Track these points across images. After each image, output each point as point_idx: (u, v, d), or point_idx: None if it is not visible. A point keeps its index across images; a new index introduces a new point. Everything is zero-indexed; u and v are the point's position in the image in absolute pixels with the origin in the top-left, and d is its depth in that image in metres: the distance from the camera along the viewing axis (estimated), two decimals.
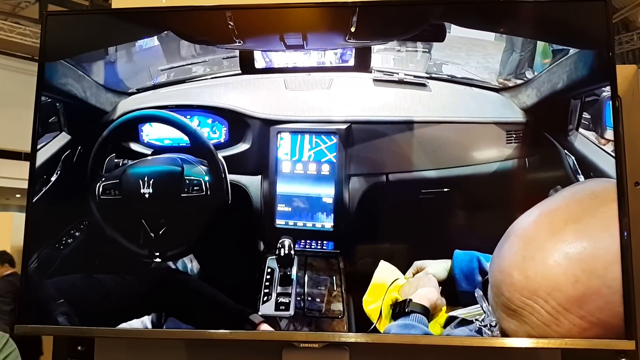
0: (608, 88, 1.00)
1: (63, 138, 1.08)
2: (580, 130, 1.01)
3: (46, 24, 1.10)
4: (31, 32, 6.18)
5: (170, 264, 1.02)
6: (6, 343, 1.64)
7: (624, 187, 0.97)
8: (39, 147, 1.07)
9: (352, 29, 1.05)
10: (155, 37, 1.09)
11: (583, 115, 1.01)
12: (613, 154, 0.98)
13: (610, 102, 1.00)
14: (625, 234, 0.88)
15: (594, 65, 1.01)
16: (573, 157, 0.99)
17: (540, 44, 1.04)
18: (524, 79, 1.03)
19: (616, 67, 1.13)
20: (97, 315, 1.01)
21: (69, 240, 1.05)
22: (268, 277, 1.00)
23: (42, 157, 1.07)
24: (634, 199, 1.14)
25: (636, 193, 1.18)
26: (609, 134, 1.00)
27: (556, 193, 0.92)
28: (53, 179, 1.06)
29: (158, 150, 1.06)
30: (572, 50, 1.02)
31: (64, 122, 1.08)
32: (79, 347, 1.42)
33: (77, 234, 1.05)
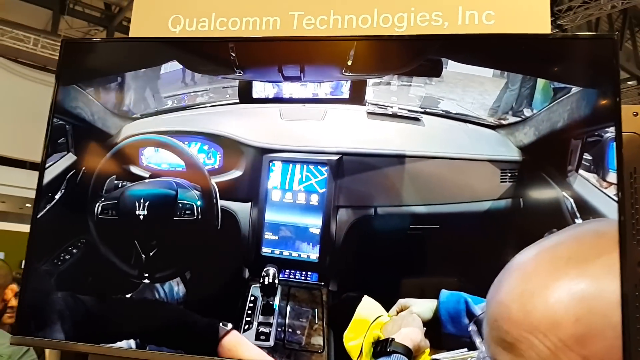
0: (612, 128, 0.96)
1: (69, 158, 1.14)
2: (581, 171, 0.97)
3: (63, 50, 1.18)
4: None
5: (151, 291, 1.04)
6: (27, 352, 1.71)
7: (626, 232, 0.92)
8: (47, 165, 1.13)
9: (349, 62, 1.06)
10: (162, 65, 1.15)
11: (584, 156, 0.97)
12: (615, 198, 0.93)
13: (615, 143, 0.96)
14: (624, 286, 0.83)
15: (597, 105, 0.98)
16: (572, 200, 0.95)
17: (540, 81, 1.01)
18: (522, 116, 1.01)
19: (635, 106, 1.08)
20: (82, 334, 1.03)
21: (67, 257, 1.09)
22: (250, 305, 1.00)
23: (49, 175, 1.13)
24: None
25: None
26: (612, 176, 0.95)
27: (559, 231, 0.89)
28: (57, 196, 1.12)
29: (156, 173, 1.10)
30: (575, 89, 0.99)
31: (72, 143, 1.14)
32: None
33: (74, 250, 1.10)
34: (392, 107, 1.04)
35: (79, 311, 1.03)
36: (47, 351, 2.05)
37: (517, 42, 1.04)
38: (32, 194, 1.12)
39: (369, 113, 1.05)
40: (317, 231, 1.03)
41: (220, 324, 0.98)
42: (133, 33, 1.30)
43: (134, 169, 1.11)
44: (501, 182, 0.99)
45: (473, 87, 1.03)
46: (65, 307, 1.04)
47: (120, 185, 1.10)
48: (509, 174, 0.99)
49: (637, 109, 1.16)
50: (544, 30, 1.09)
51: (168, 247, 1.06)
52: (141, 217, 1.07)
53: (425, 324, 0.94)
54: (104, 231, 1.09)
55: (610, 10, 5.75)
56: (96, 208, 1.09)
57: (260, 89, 1.10)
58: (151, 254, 1.05)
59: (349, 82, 1.06)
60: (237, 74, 1.10)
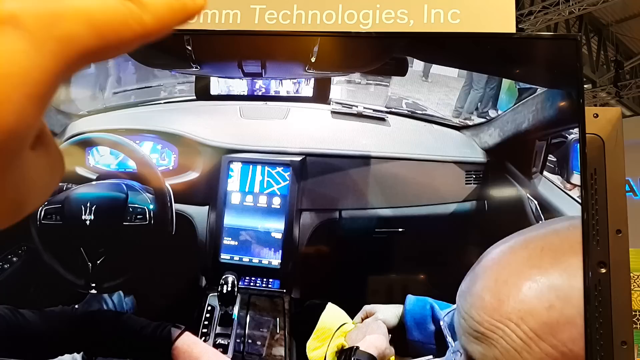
0: (576, 130, 0.96)
1: None
2: (545, 173, 0.96)
3: None
4: None
5: (99, 302, 0.96)
6: None
7: (589, 234, 0.92)
8: None
9: (313, 59, 1.02)
10: (111, 59, 1.07)
11: (548, 158, 0.97)
12: (579, 200, 0.93)
13: (578, 144, 0.95)
14: (587, 282, 0.83)
15: (562, 106, 0.97)
16: (536, 202, 0.94)
17: (505, 82, 1.00)
18: (487, 117, 0.99)
19: (600, 109, 1.09)
20: (20, 350, 0.95)
21: (6, 266, 1.00)
22: (207, 315, 0.94)
23: None
24: (615, 247, 1.09)
25: (618, 241, 1.13)
26: (576, 178, 0.95)
27: (533, 225, 0.90)
28: None
29: (104, 175, 1.02)
30: (539, 89, 0.98)
31: None
32: None
33: (14, 259, 1.00)
34: (357, 106, 1.00)
35: (17, 325, 0.94)
36: None
37: (482, 41, 1.03)
38: None
39: (333, 112, 1.01)
40: (279, 236, 0.98)
41: (172, 326, 0.92)
42: None
43: (80, 170, 1.03)
44: (466, 183, 0.97)
45: (438, 86, 1.01)
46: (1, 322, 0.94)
47: (65, 188, 1.01)
48: (474, 176, 0.97)
49: (598, 110, 1.18)
50: (509, 30, 1.08)
51: (117, 255, 0.99)
52: (88, 222, 0.99)
53: (391, 330, 0.91)
54: (48, 237, 1.00)
55: (568, 15, 5.97)
56: (38, 212, 1.00)
57: (218, 85, 1.04)
58: (98, 262, 0.98)
59: (313, 79, 1.02)
60: (194, 69, 1.03)
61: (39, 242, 1.00)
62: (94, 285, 0.97)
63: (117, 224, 0.98)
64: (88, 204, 0.99)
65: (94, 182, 1.02)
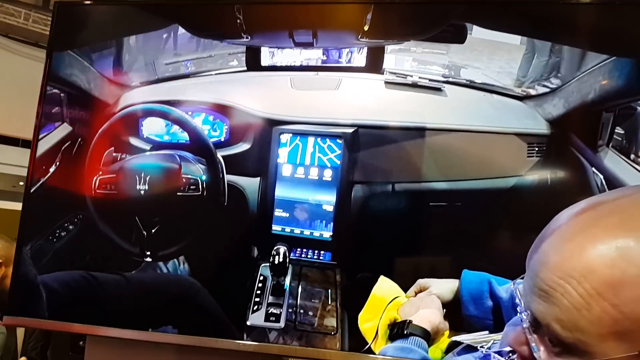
0: None
1: (64, 129, 1.06)
2: (612, 146, 0.91)
3: (57, 14, 1.09)
4: None
5: (154, 270, 0.98)
6: None
7: None
8: (40, 137, 1.06)
9: (366, 28, 0.99)
10: (163, 30, 1.07)
11: (616, 130, 0.91)
12: None
13: None
14: None
15: (631, 75, 0.91)
16: (601, 176, 0.89)
17: (570, 50, 0.95)
18: (551, 87, 0.94)
19: None
20: (91, 315, 0.97)
21: (63, 234, 1.03)
22: (260, 285, 0.95)
23: (42, 147, 1.05)
24: None
25: None
26: None
27: (604, 192, 0.86)
28: (52, 169, 1.05)
29: (157, 146, 1.03)
30: (607, 58, 0.92)
31: (67, 112, 1.07)
32: (81, 342, 1.40)
33: (71, 227, 1.03)
34: (412, 76, 0.97)
35: (92, 293, 0.97)
36: None
37: (545, 8, 0.97)
38: (24, 172, 1.05)
39: (387, 82, 0.98)
40: (330, 208, 0.96)
41: None
42: None
43: (133, 141, 1.04)
44: (528, 157, 0.93)
45: (500, 54, 0.96)
46: (67, 287, 0.97)
47: (119, 158, 1.03)
48: (537, 149, 0.93)
49: None
50: None
51: (171, 224, 1.00)
52: (142, 192, 1.00)
53: (445, 305, 0.89)
54: (103, 207, 1.02)
55: None
56: (94, 182, 1.02)
57: (269, 55, 1.02)
58: (153, 231, 0.99)
59: (366, 48, 0.99)
60: (245, 39, 1.02)
61: (94, 211, 1.03)
62: (148, 253, 0.99)
63: (171, 194, 0.99)
64: (142, 174, 1.00)
65: (147, 153, 1.03)
